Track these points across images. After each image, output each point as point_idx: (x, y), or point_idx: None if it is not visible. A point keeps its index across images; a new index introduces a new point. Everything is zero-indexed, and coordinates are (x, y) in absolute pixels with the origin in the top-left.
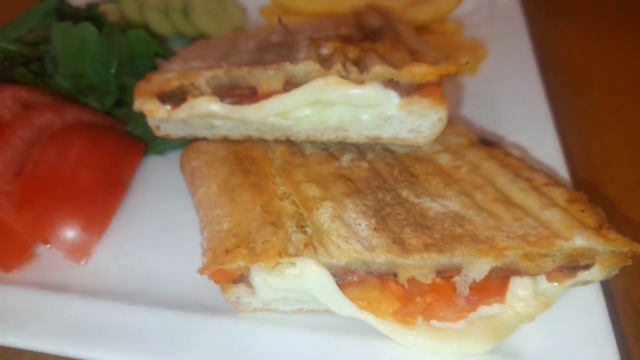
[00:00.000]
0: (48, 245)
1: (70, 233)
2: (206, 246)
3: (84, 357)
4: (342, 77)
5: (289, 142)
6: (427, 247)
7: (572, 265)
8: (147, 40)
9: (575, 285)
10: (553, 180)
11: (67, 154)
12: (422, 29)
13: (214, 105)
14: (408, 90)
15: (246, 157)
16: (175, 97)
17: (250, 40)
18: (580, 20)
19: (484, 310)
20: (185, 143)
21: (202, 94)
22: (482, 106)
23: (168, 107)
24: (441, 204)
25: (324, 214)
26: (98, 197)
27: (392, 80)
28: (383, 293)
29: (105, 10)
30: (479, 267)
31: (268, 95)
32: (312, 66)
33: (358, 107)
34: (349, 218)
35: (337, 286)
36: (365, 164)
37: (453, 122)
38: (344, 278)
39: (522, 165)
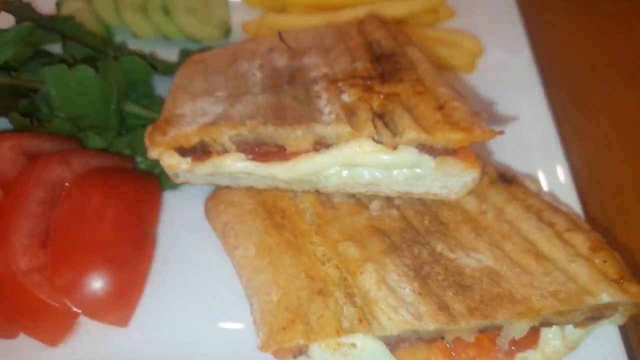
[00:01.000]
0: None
1: (107, 303)
2: (260, 320)
3: None
4: (374, 139)
5: (317, 192)
6: (471, 312)
7: (597, 316)
8: (142, 67)
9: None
10: (574, 224)
11: (87, 215)
12: (413, 18)
13: (240, 164)
14: (442, 152)
15: (275, 208)
16: (196, 151)
17: (253, 63)
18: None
19: (519, 355)
20: None
21: (225, 150)
22: (481, 105)
23: (189, 159)
24: (475, 259)
25: (369, 279)
26: (129, 258)
27: (424, 144)
28: (429, 351)
29: (73, 9)
30: (519, 327)
31: (297, 153)
32: (343, 129)
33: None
34: (393, 281)
35: (391, 353)
36: (395, 212)
37: None
38: (396, 345)
39: (542, 207)
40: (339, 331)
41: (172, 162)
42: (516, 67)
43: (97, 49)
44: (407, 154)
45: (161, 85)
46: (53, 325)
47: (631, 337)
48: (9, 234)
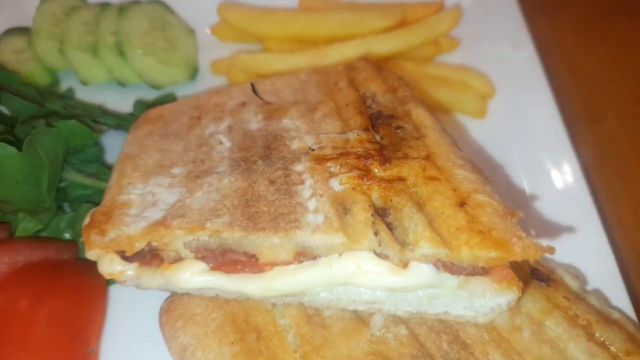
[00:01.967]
0: None
1: None
2: None
3: None
4: (376, 253)
5: (301, 305)
6: None
7: None
8: (83, 132)
9: None
10: (633, 340)
11: (10, 334)
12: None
13: (199, 279)
14: (468, 271)
15: (248, 325)
16: (143, 255)
17: (220, 124)
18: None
19: None
20: None
21: (180, 257)
22: (496, 154)
23: (135, 266)
24: None
25: None
26: None
27: (444, 261)
28: None
29: (11, 50)
30: None
31: (273, 264)
32: (334, 239)
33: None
34: None
35: None
36: (403, 330)
37: None
38: None
39: (592, 317)
40: None
41: (113, 271)
42: (536, 111)
43: (36, 102)
44: (422, 274)
45: (115, 140)
46: None
47: None
48: None
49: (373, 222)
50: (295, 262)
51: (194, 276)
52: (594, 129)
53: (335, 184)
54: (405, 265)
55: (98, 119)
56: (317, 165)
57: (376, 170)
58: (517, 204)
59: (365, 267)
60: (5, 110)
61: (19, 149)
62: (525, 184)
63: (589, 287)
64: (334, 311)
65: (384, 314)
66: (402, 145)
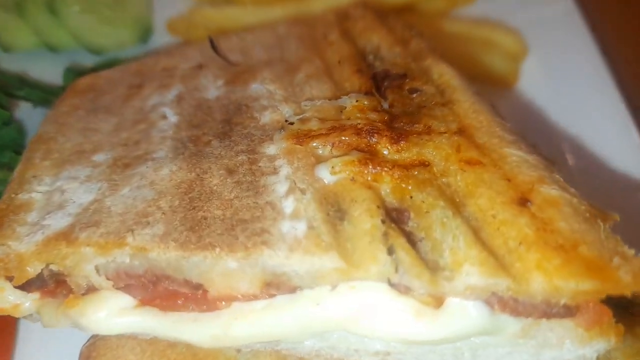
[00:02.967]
0: None
1: None
2: None
3: None
4: (391, 283)
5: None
6: None
7: None
8: None
9: None
10: None
11: None
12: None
13: (120, 320)
14: (539, 312)
15: None
16: (43, 282)
17: (167, 93)
18: None
19: None
20: None
21: (93, 287)
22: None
23: (35, 296)
24: None
25: None
26: None
27: (501, 296)
28: None
29: None
30: None
31: (230, 298)
32: (322, 263)
33: None
34: None
35: None
36: None
37: None
38: None
39: None
40: None
41: (3, 304)
42: (582, 76)
43: None
44: (465, 318)
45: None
46: None
47: None
48: None
49: (384, 233)
50: (264, 297)
51: (112, 317)
52: None
53: (325, 173)
54: (438, 303)
55: (14, 91)
56: (297, 146)
57: (385, 152)
58: None
59: (374, 309)
60: None
61: None
62: (572, 166)
63: None
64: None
65: None
66: (421, 115)
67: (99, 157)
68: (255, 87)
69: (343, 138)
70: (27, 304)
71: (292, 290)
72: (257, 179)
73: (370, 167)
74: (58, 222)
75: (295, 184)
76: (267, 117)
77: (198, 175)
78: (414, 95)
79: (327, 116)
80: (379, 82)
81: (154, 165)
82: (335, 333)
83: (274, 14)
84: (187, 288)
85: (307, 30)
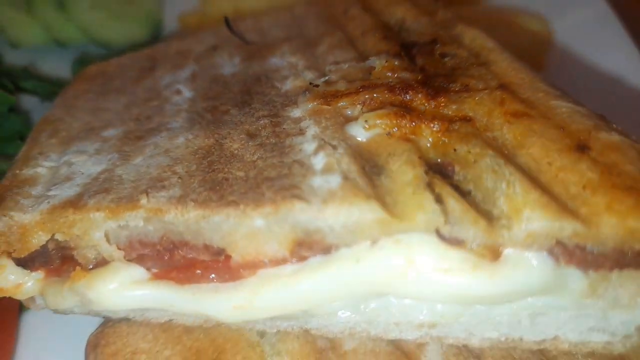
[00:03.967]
0: None
1: None
2: None
3: None
4: (440, 235)
5: (306, 332)
6: None
7: None
8: None
9: None
10: None
11: None
12: None
13: (132, 294)
14: (607, 261)
15: None
16: (48, 258)
17: (180, 73)
18: None
19: None
20: None
21: (103, 259)
22: None
23: (38, 275)
24: None
25: None
26: None
27: (567, 244)
28: None
29: None
30: None
31: (256, 264)
32: (361, 214)
33: None
34: None
35: None
36: None
37: None
38: None
39: None
40: None
41: (4, 283)
42: (613, 60)
43: None
44: (528, 271)
45: None
46: None
47: None
48: None
49: (429, 183)
50: (294, 261)
51: (123, 289)
52: None
53: (357, 130)
54: (495, 256)
55: (21, 83)
56: (324, 106)
57: (423, 108)
58: None
59: (421, 263)
60: None
61: None
62: None
63: None
64: (361, 343)
65: (442, 345)
66: (457, 75)
67: (109, 133)
68: (275, 61)
69: (375, 95)
70: (29, 284)
71: (327, 250)
72: (281, 141)
73: (408, 118)
74: (65, 192)
75: (324, 141)
76: (288, 85)
77: (217, 140)
78: (446, 59)
79: (354, 78)
80: (407, 49)
81: (168, 134)
82: (373, 302)
83: (287, 1)
84: (208, 255)
85: (325, 9)
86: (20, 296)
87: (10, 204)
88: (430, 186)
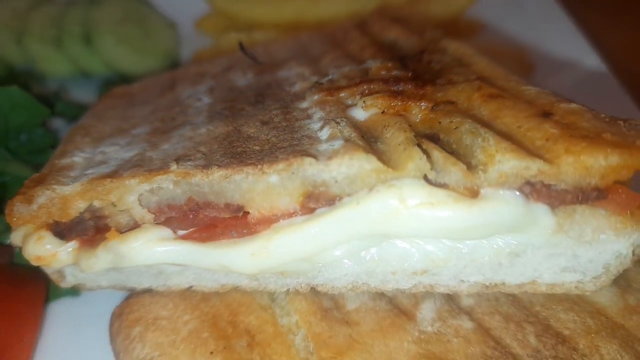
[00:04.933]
0: None
1: None
2: None
3: None
4: (427, 180)
5: (312, 292)
6: None
7: None
8: (27, 102)
9: None
10: None
11: None
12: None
13: (162, 250)
14: (570, 198)
15: (235, 327)
16: (84, 229)
17: (200, 87)
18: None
19: None
20: None
21: (135, 222)
22: None
23: (73, 245)
24: None
25: None
26: None
27: (534, 183)
28: None
29: None
30: None
31: (270, 221)
32: (361, 165)
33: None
34: None
35: None
36: (467, 323)
37: None
38: None
39: None
40: None
41: (41, 252)
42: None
43: None
44: (501, 205)
45: None
46: None
47: None
48: None
49: (417, 144)
50: (304, 213)
51: (152, 245)
52: None
53: (357, 112)
54: (474, 194)
55: (53, 105)
56: (329, 97)
57: (414, 92)
58: None
59: (412, 201)
60: None
61: None
62: None
63: None
64: (362, 303)
65: (436, 301)
66: (442, 74)
67: (137, 131)
68: (284, 73)
69: (371, 87)
70: (64, 254)
71: (331, 200)
72: (291, 124)
73: (400, 99)
74: (102, 169)
75: (330, 119)
76: (297, 87)
77: (235, 127)
78: (433, 64)
79: (353, 77)
80: (400, 59)
81: (191, 127)
82: (373, 246)
83: (285, 12)
84: (228, 212)
85: (327, 35)
86: (56, 264)
87: (52, 181)
88: (419, 145)
